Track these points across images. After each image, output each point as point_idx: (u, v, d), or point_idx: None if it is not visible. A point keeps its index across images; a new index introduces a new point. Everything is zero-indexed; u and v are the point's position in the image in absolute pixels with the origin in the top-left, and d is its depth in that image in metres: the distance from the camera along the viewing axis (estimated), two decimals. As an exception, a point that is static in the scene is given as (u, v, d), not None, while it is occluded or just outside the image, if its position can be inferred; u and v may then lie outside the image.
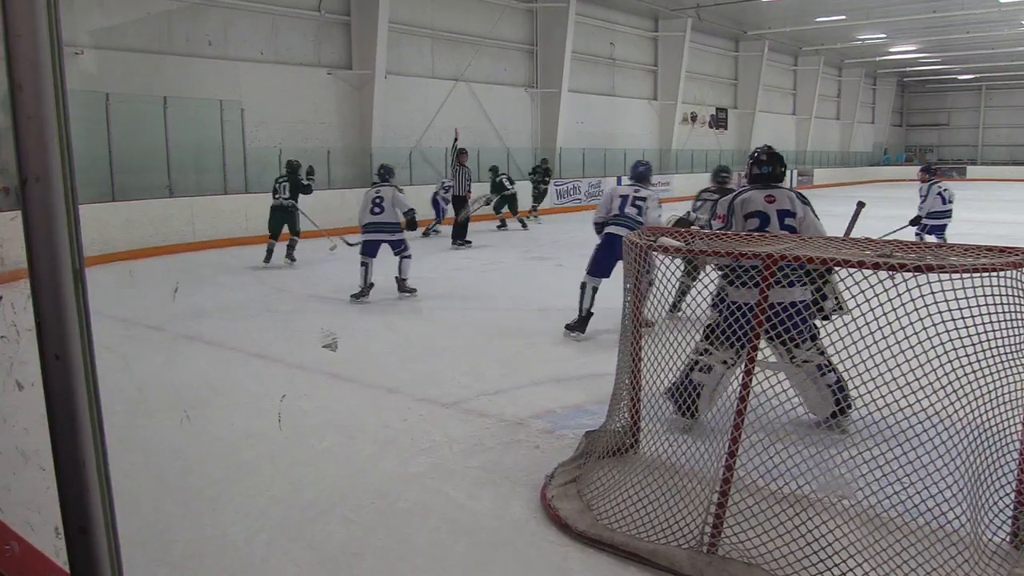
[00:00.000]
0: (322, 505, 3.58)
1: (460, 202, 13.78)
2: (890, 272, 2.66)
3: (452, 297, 9.05)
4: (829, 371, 4.10)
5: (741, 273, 3.73)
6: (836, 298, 4.00)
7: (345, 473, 3.98)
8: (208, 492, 3.75)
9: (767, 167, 4.62)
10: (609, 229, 6.91)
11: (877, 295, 2.88)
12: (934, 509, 2.87)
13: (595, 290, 6.91)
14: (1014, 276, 2.78)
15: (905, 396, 2.96)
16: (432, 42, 19.24)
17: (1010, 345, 2.89)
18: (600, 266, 6.93)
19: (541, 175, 18.44)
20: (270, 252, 11.31)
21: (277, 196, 11.49)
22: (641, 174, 7.20)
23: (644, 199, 6.95)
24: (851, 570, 2.79)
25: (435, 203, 15.57)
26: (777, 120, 34.51)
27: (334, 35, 16.90)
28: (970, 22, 27.43)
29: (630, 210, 6.93)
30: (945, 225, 10.64)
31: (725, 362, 4.00)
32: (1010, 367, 2.90)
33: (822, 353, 4.09)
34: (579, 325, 6.91)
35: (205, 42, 14.54)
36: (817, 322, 4.22)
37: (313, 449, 4.32)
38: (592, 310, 6.90)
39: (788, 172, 19.60)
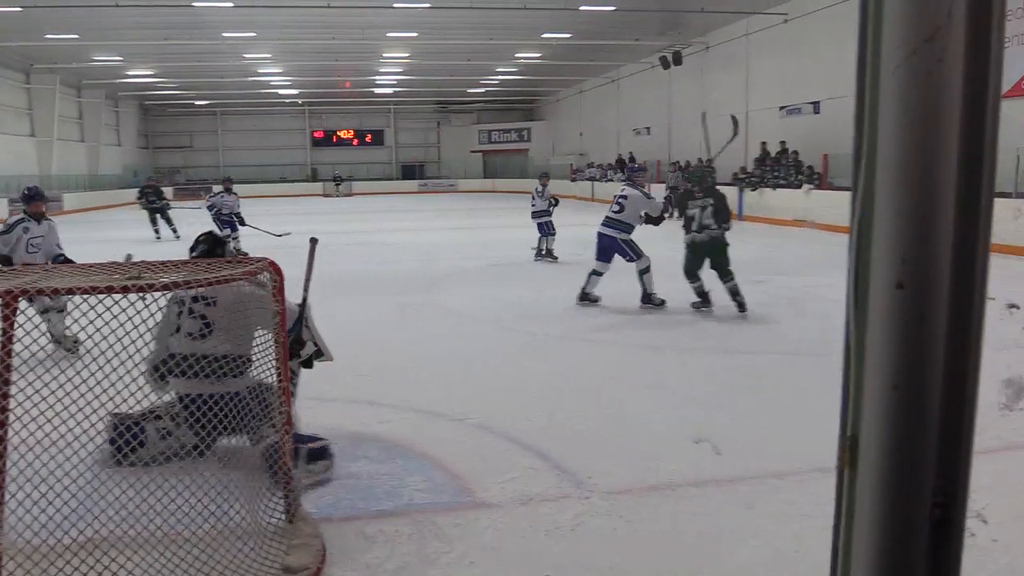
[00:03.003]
0: None
1: None
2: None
3: None
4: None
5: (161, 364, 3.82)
6: (316, 344, 4.18)
7: None
8: None
9: None
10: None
11: (122, 318, 2.87)
12: (217, 511, 3.03)
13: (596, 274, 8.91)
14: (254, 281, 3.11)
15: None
16: None
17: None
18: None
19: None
20: None
21: None
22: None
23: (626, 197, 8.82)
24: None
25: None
26: (14, 142, 31.49)
27: None
28: (200, 52, 29.28)
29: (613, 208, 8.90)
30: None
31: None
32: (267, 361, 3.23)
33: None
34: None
35: None
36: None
37: None
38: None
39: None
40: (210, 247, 4.45)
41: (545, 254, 13.22)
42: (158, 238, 18.01)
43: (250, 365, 3.88)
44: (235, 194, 15.44)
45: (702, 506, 3.69)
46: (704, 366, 6.30)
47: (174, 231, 18.13)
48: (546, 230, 13.33)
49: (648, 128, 32.21)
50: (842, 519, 1.00)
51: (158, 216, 18.30)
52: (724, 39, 25.52)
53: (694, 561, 3.19)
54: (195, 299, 4.04)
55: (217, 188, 15.39)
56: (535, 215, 13.44)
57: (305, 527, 3.30)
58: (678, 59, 27.36)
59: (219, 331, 3.99)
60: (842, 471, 0.99)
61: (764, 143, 21.61)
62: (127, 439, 3.83)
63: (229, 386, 3.71)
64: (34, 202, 7.09)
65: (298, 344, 4.01)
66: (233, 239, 14.33)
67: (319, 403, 5.08)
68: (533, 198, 13.65)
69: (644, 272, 8.63)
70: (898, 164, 0.96)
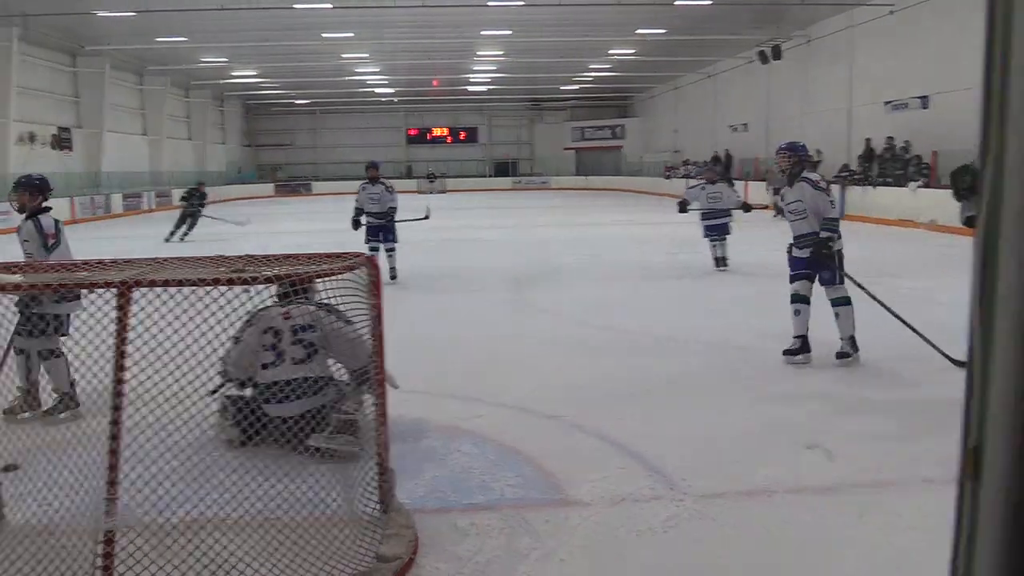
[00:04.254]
0: None
1: None
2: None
3: None
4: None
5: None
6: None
7: None
8: None
9: None
10: None
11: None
12: (314, 498, 3.12)
13: None
14: (351, 277, 3.18)
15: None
16: None
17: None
18: None
19: None
20: None
21: None
22: None
23: None
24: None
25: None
26: (128, 140, 33.15)
27: None
28: (300, 52, 30.17)
29: None
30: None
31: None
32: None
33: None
34: None
35: None
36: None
37: None
38: None
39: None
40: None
41: (719, 261, 11.41)
42: (168, 241, 17.47)
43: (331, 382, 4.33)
44: (384, 184, 10.88)
45: (800, 514, 3.58)
46: (806, 371, 6.11)
47: (184, 234, 17.77)
48: (718, 232, 11.41)
49: (745, 124, 31.48)
50: (963, 535, 0.94)
51: (188, 219, 18.04)
52: (827, 32, 24.69)
53: (789, 571, 3.10)
54: (299, 328, 4.26)
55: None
56: (708, 215, 11.42)
57: (399, 517, 3.36)
58: (777, 53, 26.62)
59: (319, 355, 4.35)
60: (964, 484, 0.94)
61: (869, 139, 20.82)
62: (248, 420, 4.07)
63: (322, 400, 4.22)
64: (16, 191, 5.40)
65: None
66: (388, 253, 10.68)
67: (415, 396, 5.16)
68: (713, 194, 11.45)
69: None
70: (1029, 160, 0.90)
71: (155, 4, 21.39)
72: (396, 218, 10.98)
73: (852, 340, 6.07)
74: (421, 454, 4.31)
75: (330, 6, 22.50)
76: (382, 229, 10.81)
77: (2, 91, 23.86)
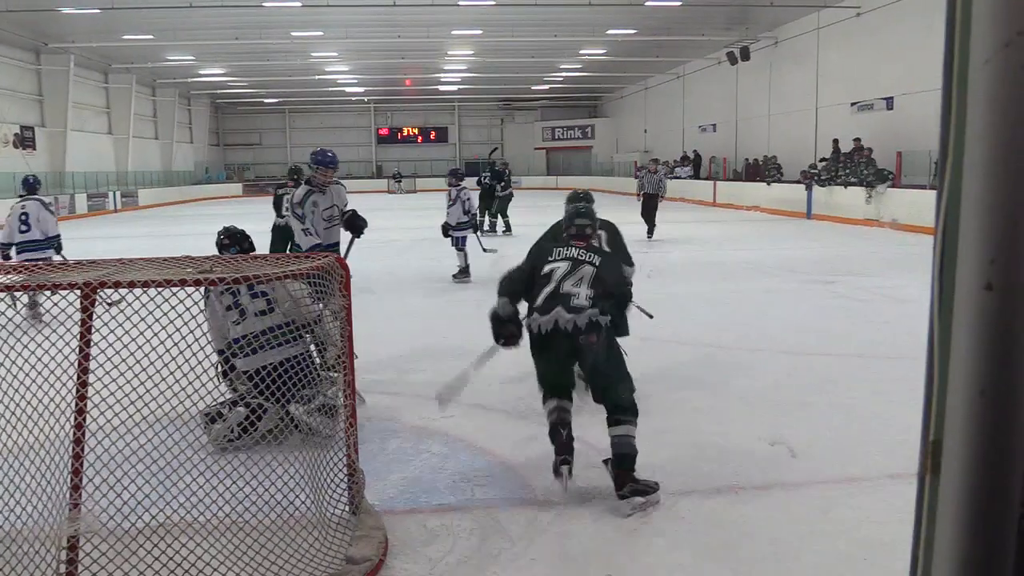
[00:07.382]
0: None
1: None
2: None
3: None
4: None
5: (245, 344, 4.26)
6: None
7: None
8: None
9: None
10: None
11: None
12: (283, 501, 3.09)
13: None
14: (321, 276, 3.15)
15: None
16: None
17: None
18: None
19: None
20: None
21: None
22: None
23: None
24: (216, 582, 2.82)
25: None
26: (93, 139, 32.62)
27: None
28: (269, 51, 29.90)
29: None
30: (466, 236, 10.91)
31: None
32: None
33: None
34: None
35: None
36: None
37: None
38: None
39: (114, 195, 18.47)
40: (239, 247, 4.98)
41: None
42: None
43: (304, 329, 4.31)
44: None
45: (769, 509, 3.62)
46: (771, 367, 6.17)
47: None
48: None
49: (714, 125, 31.74)
50: (923, 527, 0.96)
51: None
52: (794, 33, 24.97)
53: (758, 565, 3.13)
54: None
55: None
56: None
57: (368, 519, 3.34)
58: (746, 54, 26.88)
59: (278, 304, 4.47)
60: (923, 477, 0.96)
61: (836, 140, 21.06)
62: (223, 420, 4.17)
63: (296, 349, 4.25)
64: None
65: None
66: None
67: (384, 396, 5.14)
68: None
69: None
70: (987, 162, 0.92)
71: (121, 1, 21.07)
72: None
73: None
74: (391, 455, 4.29)
75: (299, 4, 22.32)
76: None
77: (-37, 89, 23.40)
